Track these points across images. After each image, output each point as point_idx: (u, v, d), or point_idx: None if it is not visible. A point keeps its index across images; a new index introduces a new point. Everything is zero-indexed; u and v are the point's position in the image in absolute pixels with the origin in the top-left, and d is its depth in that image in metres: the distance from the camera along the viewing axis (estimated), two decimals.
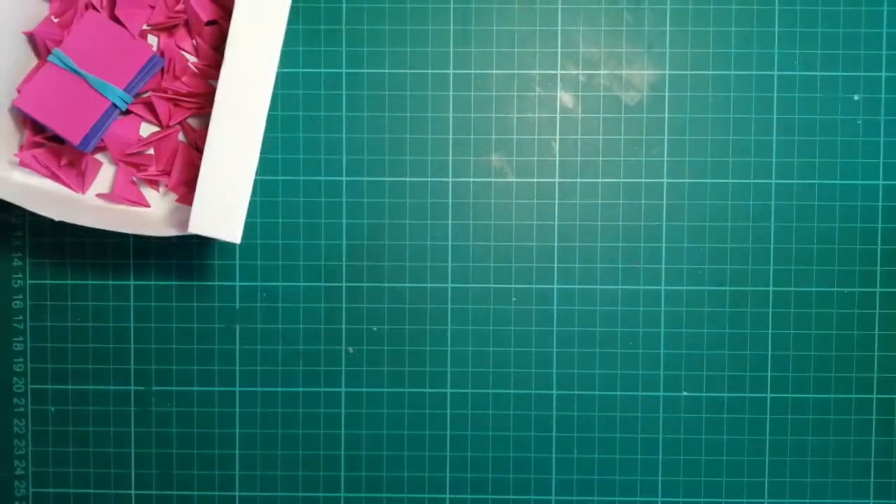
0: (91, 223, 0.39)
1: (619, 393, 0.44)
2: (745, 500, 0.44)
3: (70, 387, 0.45)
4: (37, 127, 0.43)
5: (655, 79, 0.44)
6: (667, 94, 0.44)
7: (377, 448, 0.45)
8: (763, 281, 0.44)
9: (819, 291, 0.44)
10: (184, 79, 0.43)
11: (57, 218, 0.38)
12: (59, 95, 0.41)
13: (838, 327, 0.44)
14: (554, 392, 0.44)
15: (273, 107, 0.44)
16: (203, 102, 0.43)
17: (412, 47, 0.44)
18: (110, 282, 0.44)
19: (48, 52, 0.42)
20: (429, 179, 0.44)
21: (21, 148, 0.43)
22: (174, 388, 0.45)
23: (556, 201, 0.44)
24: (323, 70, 0.44)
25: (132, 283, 0.44)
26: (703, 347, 0.44)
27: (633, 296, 0.44)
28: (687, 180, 0.44)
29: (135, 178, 0.44)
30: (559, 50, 0.44)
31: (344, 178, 0.44)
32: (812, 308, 0.44)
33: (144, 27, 0.43)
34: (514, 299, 0.44)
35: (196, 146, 0.43)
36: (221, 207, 0.37)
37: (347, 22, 0.44)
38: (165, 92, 0.43)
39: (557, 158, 0.44)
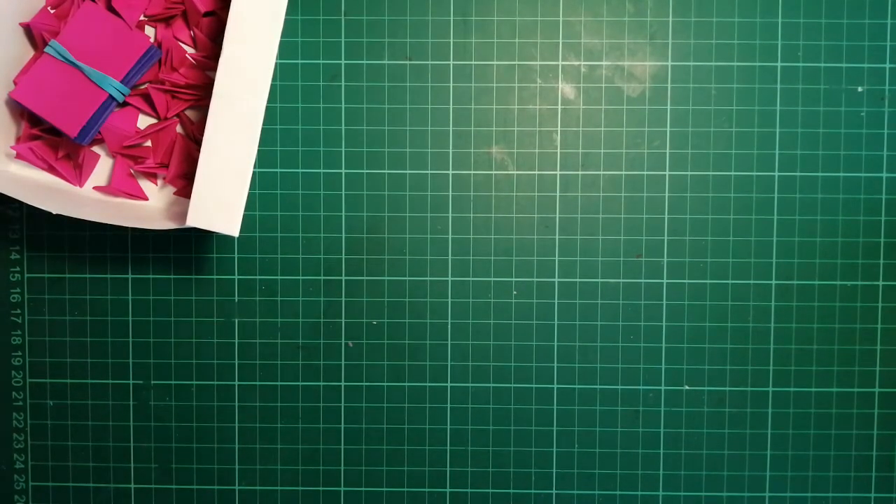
0: (88, 216, 0.39)
1: (620, 387, 0.44)
2: (746, 494, 0.44)
3: (68, 381, 0.45)
4: (34, 119, 0.43)
5: (658, 70, 0.44)
6: (669, 85, 0.44)
7: (377, 442, 0.44)
8: (765, 274, 0.44)
9: (822, 285, 0.44)
10: (181, 70, 0.43)
11: (54, 211, 0.38)
12: (56, 87, 0.40)
13: (841, 321, 0.44)
14: (555, 386, 0.44)
15: (271, 98, 0.44)
16: (201, 94, 0.43)
17: (412, 38, 0.44)
18: (108, 275, 0.44)
19: (45, 43, 0.42)
20: (429, 172, 0.44)
21: (18, 140, 0.43)
22: (173, 382, 0.44)
23: (558, 194, 0.44)
24: (322, 61, 0.44)
25: (130, 276, 0.44)
26: (705, 341, 0.44)
27: (634, 289, 0.44)
28: (689, 173, 0.44)
29: (132, 171, 0.44)
30: (561, 41, 0.44)
31: (343, 171, 0.44)
32: (815, 302, 0.44)
33: (141, 18, 0.42)
34: (514, 293, 0.44)
35: (194, 138, 0.43)
36: (220, 200, 0.37)
37: (346, 12, 0.44)
38: (163, 83, 0.42)
39: (559, 150, 0.44)
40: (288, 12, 0.43)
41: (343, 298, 0.44)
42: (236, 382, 0.44)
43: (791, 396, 0.44)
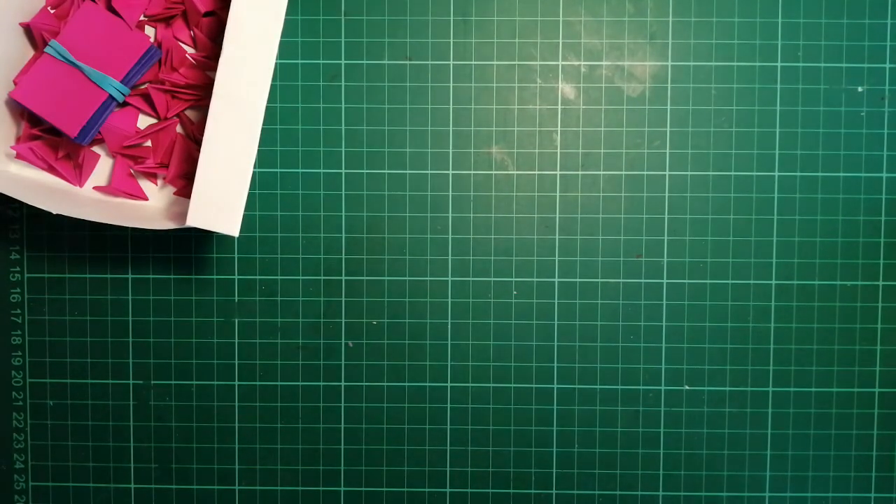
0: (88, 216, 0.39)
1: (620, 387, 0.44)
2: (746, 495, 0.44)
3: (68, 381, 0.45)
4: (34, 119, 0.43)
5: (658, 70, 0.44)
6: (669, 85, 0.44)
7: (377, 442, 0.44)
8: (765, 274, 0.44)
9: (822, 285, 0.44)
10: (181, 70, 0.43)
11: (54, 211, 0.38)
12: (56, 87, 0.40)
13: (841, 321, 0.44)
14: (555, 386, 0.44)
15: (272, 98, 0.44)
16: (201, 94, 0.43)
17: (412, 38, 0.44)
18: (108, 275, 0.44)
19: (45, 43, 0.42)
20: (429, 172, 0.44)
21: (18, 140, 0.43)
22: (173, 382, 0.44)
23: (558, 194, 0.44)
24: (322, 61, 0.44)
25: (130, 276, 0.44)
26: (704, 341, 0.44)
27: (634, 289, 0.44)
28: (689, 173, 0.44)
29: (132, 171, 0.44)
30: (561, 41, 0.44)
31: (343, 171, 0.44)
32: (815, 302, 0.44)
33: (141, 18, 0.42)
34: (514, 293, 0.44)
35: (194, 138, 0.43)
36: (220, 200, 0.37)
37: (346, 12, 0.44)
38: (163, 83, 0.42)
39: (559, 150, 0.44)
40: (288, 12, 0.43)
41: (343, 298, 0.44)
42: (236, 382, 0.44)
43: (791, 396, 0.44)
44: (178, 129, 0.43)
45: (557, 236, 0.44)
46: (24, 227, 0.44)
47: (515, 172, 0.44)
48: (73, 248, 0.44)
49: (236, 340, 0.44)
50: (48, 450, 0.45)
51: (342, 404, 0.44)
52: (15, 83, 0.42)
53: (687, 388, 0.44)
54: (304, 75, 0.44)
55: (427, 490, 0.45)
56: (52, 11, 0.42)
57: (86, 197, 0.43)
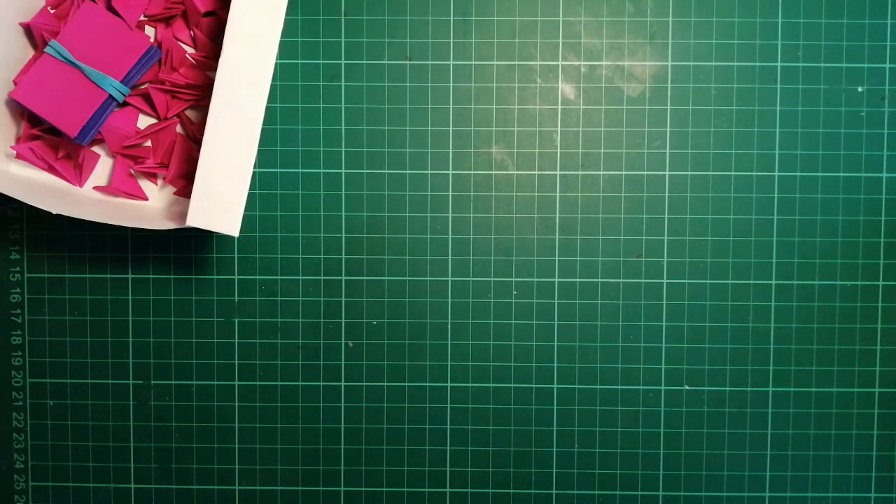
0: (88, 216, 0.39)
1: (620, 387, 0.44)
2: (746, 495, 0.44)
3: (68, 381, 0.45)
4: (34, 119, 0.43)
5: (658, 70, 0.44)
6: (669, 85, 0.44)
7: (377, 442, 0.44)
8: (765, 274, 0.44)
9: (822, 285, 0.44)
10: (181, 70, 0.43)
11: (54, 211, 0.38)
12: (56, 87, 0.40)
13: (841, 321, 0.44)
14: (555, 386, 0.44)
15: (271, 98, 0.44)
16: (201, 94, 0.43)
17: (412, 38, 0.44)
18: (108, 275, 0.44)
19: (45, 43, 0.42)
20: (429, 172, 0.44)
21: (18, 140, 0.43)
22: (173, 382, 0.44)
23: (558, 194, 0.44)
24: (322, 61, 0.44)
25: (130, 276, 0.44)
26: (705, 341, 0.44)
27: (634, 289, 0.44)
28: (689, 173, 0.44)
29: (132, 171, 0.44)
30: (561, 41, 0.44)
31: (343, 171, 0.44)
32: (815, 302, 0.44)
33: (141, 18, 0.42)
34: (514, 293, 0.44)
35: (194, 138, 0.43)
36: (220, 200, 0.37)
37: (346, 12, 0.44)
38: (163, 83, 0.42)
39: (559, 150, 0.44)
40: (288, 12, 0.43)
41: (343, 298, 0.44)
42: (236, 382, 0.44)
43: (791, 396, 0.44)
44: (178, 129, 0.43)
45: (557, 236, 0.44)
46: (24, 227, 0.44)
47: (515, 172, 0.44)
48: (73, 248, 0.44)
49: (236, 340, 0.44)
50: (48, 450, 0.45)
51: (342, 404, 0.44)
52: (15, 83, 0.42)
53: (687, 388, 0.44)
54: (304, 75, 0.44)
55: (427, 490, 0.45)
56: (52, 11, 0.42)
57: (86, 197, 0.43)
